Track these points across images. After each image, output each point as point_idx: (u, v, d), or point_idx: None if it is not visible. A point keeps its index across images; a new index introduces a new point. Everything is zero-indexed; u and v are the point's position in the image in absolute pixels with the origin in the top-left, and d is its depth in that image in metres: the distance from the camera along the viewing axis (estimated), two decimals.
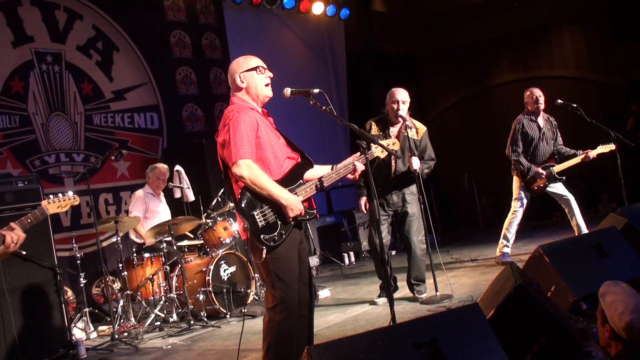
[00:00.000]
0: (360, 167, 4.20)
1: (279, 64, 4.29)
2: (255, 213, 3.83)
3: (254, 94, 4.09)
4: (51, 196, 4.38)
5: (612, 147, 7.63)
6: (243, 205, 3.83)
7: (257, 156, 3.90)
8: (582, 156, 7.72)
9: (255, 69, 4.09)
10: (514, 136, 7.87)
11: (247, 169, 3.79)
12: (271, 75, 4.16)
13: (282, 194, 3.84)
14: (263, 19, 11.64)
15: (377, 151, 4.41)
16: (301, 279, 4.00)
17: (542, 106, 7.83)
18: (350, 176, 4.22)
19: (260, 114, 4.07)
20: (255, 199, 3.85)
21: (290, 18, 12.16)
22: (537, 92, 7.87)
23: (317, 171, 4.17)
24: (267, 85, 4.13)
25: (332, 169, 4.17)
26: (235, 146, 3.80)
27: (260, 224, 3.83)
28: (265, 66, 4.15)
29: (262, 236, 3.82)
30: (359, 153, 4.23)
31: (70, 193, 4.49)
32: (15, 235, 3.93)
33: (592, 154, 7.67)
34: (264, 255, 3.85)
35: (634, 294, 3.29)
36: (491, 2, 13.18)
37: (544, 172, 7.73)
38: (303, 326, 3.99)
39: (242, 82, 4.08)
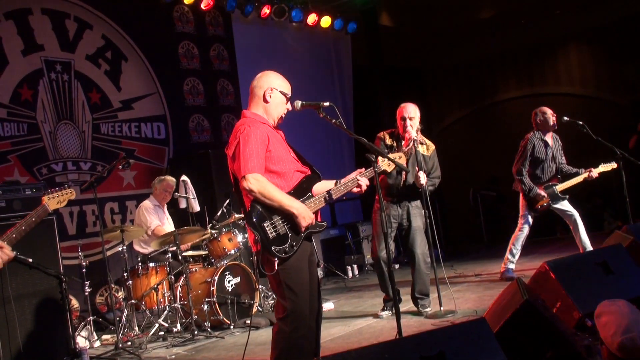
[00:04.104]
0: (365, 182, 4.21)
1: (286, 77, 4.31)
2: (265, 225, 3.85)
3: (271, 113, 4.14)
4: (49, 191, 4.38)
5: (613, 165, 7.65)
6: (253, 217, 3.86)
7: (268, 169, 3.93)
8: (585, 175, 7.73)
9: (286, 96, 4.17)
10: (522, 155, 7.84)
11: (255, 182, 3.81)
12: (290, 108, 4.23)
13: (293, 204, 3.87)
14: (271, 32, 11.70)
15: (383, 165, 4.44)
16: (311, 291, 4.01)
17: (554, 124, 7.82)
18: (355, 189, 4.22)
19: (271, 127, 4.10)
20: (265, 211, 3.87)
21: (298, 31, 12.22)
22: (550, 110, 7.88)
23: (321, 186, 4.19)
24: (284, 114, 4.21)
25: (335, 184, 4.19)
26: (245, 160, 3.83)
27: (271, 235, 3.85)
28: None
29: (273, 248, 3.83)
30: (363, 168, 4.27)
31: (66, 186, 4.50)
32: (5, 255, 3.95)
33: (595, 172, 7.69)
34: (275, 267, 3.86)
35: (628, 313, 3.30)
36: (498, 19, 13.24)
37: (545, 194, 7.73)
38: (311, 338, 4.00)
39: (269, 97, 4.12)
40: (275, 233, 3.86)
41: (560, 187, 7.78)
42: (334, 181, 4.21)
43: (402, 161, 4.65)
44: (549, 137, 7.89)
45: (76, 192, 8.32)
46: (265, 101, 4.13)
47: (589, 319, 4.15)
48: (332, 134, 12.53)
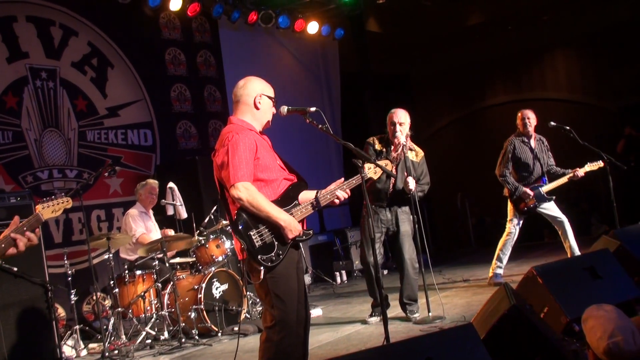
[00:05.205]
0: (343, 195, 4.16)
1: (273, 83, 4.30)
2: (251, 233, 3.83)
3: (260, 119, 4.15)
4: (44, 200, 4.24)
5: (600, 164, 7.65)
6: (239, 226, 3.83)
7: (255, 177, 3.91)
8: (570, 174, 7.75)
9: (273, 100, 4.18)
10: (504, 157, 7.95)
11: (245, 191, 3.79)
12: (274, 111, 4.24)
13: (280, 216, 3.85)
14: (258, 38, 11.69)
15: (369, 172, 4.40)
16: (299, 299, 4.00)
17: (531, 128, 7.88)
18: (337, 201, 4.18)
19: (258, 134, 4.09)
20: (251, 220, 3.85)
21: (285, 37, 12.21)
22: (527, 114, 7.94)
23: (305, 195, 4.17)
24: (270, 119, 4.22)
25: (316, 195, 4.14)
26: (234, 168, 3.81)
27: (257, 244, 3.83)
28: None
29: (259, 257, 3.82)
30: (342, 179, 4.25)
31: (63, 195, 4.38)
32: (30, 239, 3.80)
33: (580, 172, 7.70)
34: (262, 276, 3.85)
35: (615, 317, 3.30)
36: (486, 25, 13.28)
37: (532, 193, 7.75)
38: (299, 346, 3.98)
39: (259, 103, 4.11)
40: (261, 242, 3.84)
41: (545, 187, 7.80)
42: (315, 192, 4.17)
43: (389, 168, 4.64)
44: (532, 139, 7.94)
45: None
46: (257, 108, 4.12)
47: (576, 324, 4.15)
48: (321, 139, 12.52)
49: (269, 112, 4.18)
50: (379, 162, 4.45)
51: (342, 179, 4.25)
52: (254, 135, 4.02)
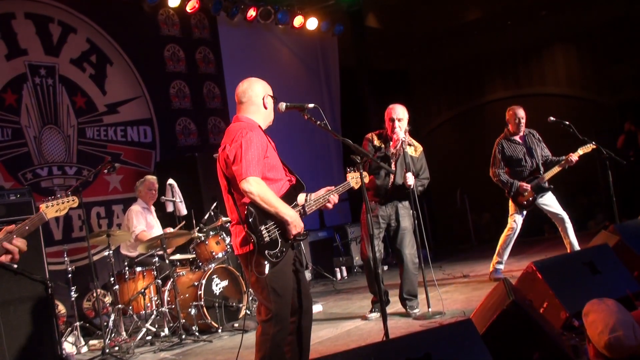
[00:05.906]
0: (335, 199, 4.33)
1: (272, 79, 4.34)
2: (262, 229, 3.91)
3: (267, 118, 4.27)
4: (49, 198, 4.18)
5: (593, 146, 7.63)
6: (250, 220, 3.90)
7: (263, 175, 3.99)
8: (563, 161, 7.73)
9: (274, 98, 4.27)
10: (494, 159, 7.98)
11: (257, 185, 3.87)
12: None
13: (287, 212, 3.95)
14: (257, 34, 11.67)
15: (352, 182, 4.51)
16: (292, 294, 4.08)
17: (523, 127, 7.87)
18: (326, 206, 4.33)
19: (265, 134, 4.16)
20: (260, 215, 3.93)
21: (284, 33, 12.20)
22: (520, 113, 7.90)
23: (299, 198, 4.28)
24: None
25: (305, 199, 4.28)
26: (247, 163, 3.89)
27: (266, 239, 3.91)
28: None
29: (266, 252, 3.91)
30: (333, 187, 4.38)
31: (68, 194, 4.33)
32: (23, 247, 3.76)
33: (574, 157, 7.65)
34: (266, 271, 3.93)
35: (616, 312, 3.31)
36: (485, 20, 13.27)
37: (528, 186, 7.74)
38: (294, 340, 4.04)
39: (267, 104, 4.22)
40: (269, 237, 3.93)
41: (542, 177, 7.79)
42: (304, 196, 4.29)
43: (366, 180, 4.68)
44: (520, 135, 7.92)
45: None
46: (265, 108, 4.23)
47: (575, 319, 4.16)
48: (320, 135, 12.50)
49: (273, 111, 4.28)
50: (364, 172, 4.50)
51: (326, 188, 4.38)
52: (264, 135, 4.12)
